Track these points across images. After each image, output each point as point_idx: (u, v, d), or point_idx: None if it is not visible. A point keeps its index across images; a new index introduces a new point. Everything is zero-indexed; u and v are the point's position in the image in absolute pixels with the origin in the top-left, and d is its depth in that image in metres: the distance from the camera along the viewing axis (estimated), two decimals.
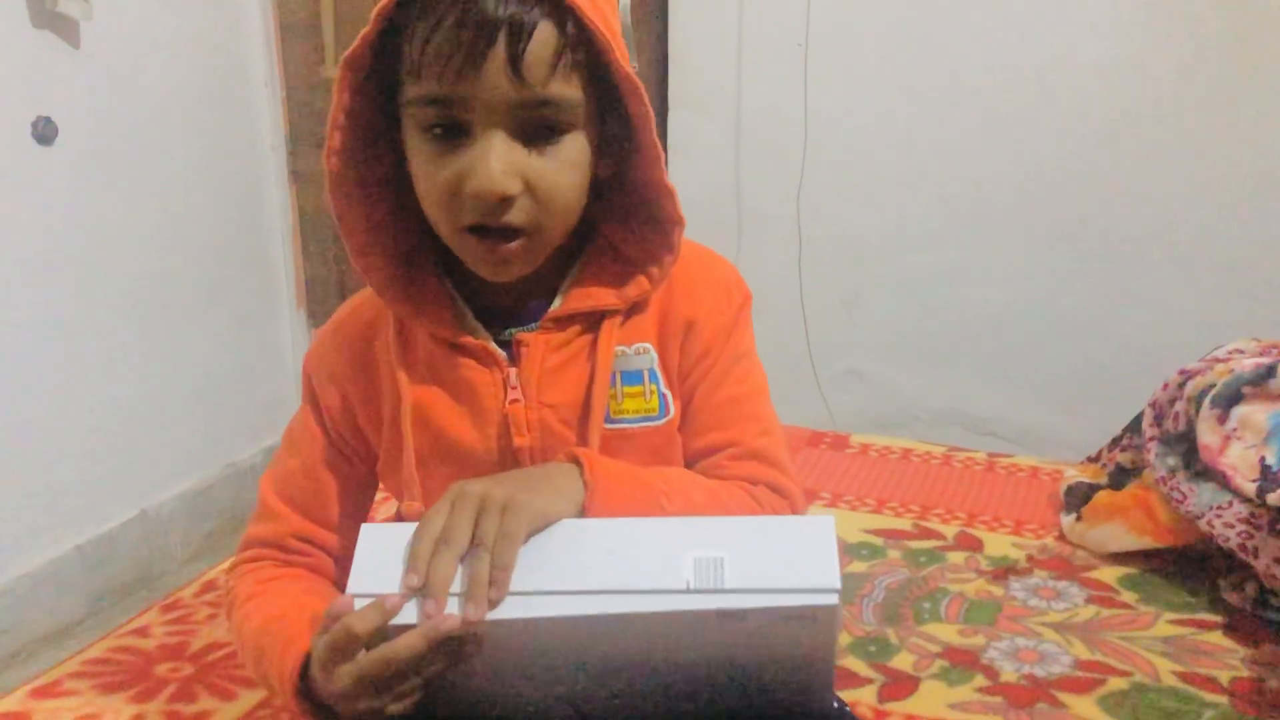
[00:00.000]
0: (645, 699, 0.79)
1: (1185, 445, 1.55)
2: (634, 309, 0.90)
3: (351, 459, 0.96)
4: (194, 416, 2.29)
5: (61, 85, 1.92)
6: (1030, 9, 2.12)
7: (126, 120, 2.07)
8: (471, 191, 0.78)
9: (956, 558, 1.60)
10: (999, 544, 1.64)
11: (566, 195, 0.82)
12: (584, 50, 0.79)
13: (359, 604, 0.72)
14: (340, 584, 0.97)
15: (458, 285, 0.91)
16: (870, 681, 1.28)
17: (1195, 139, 2.06)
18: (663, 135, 1.94)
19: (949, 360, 2.34)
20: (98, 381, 2.06)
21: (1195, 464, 1.51)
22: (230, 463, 2.38)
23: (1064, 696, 1.25)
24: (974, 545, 1.64)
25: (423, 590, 0.71)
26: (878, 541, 1.65)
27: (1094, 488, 1.67)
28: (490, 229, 0.80)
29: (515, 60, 0.76)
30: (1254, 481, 1.40)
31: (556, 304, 0.90)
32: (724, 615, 0.70)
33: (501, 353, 0.89)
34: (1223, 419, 1.50)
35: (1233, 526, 1.41)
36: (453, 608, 0.71)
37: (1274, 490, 1.36)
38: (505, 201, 0.79)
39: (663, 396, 0.90)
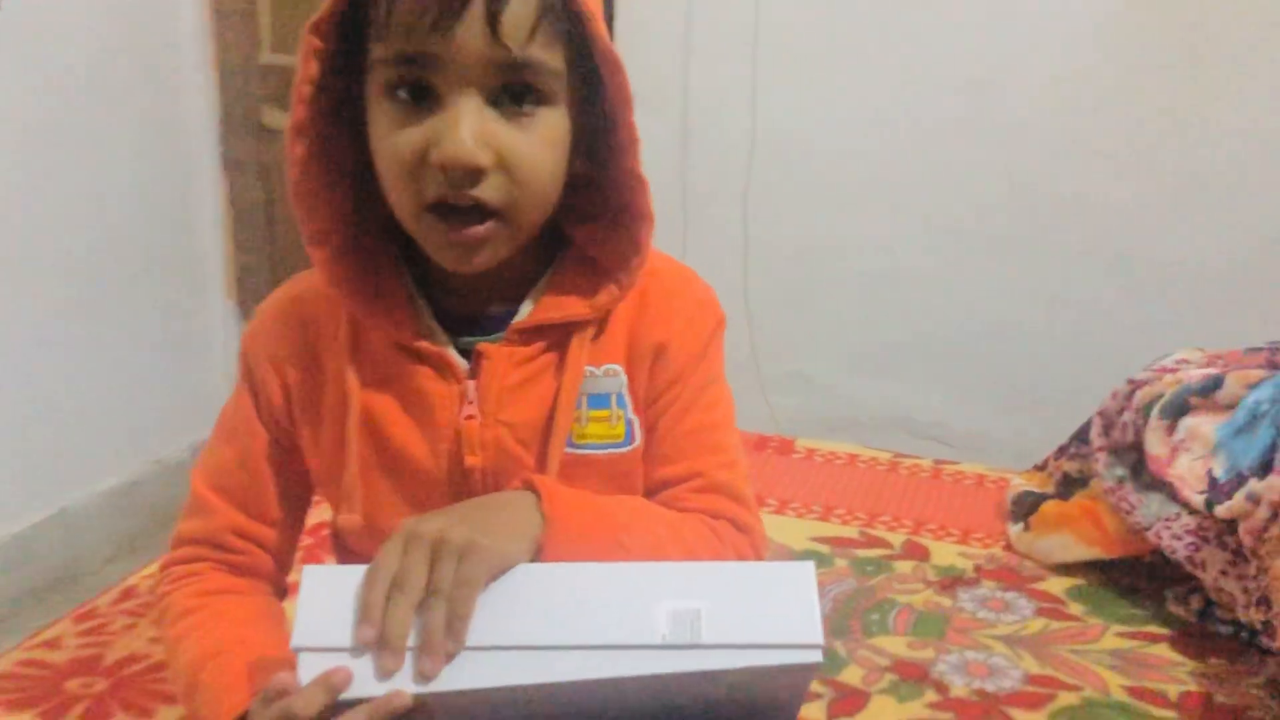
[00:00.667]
0: None
1: (1134, 456, 1.55)
2: (602, 329, 0.84)
3: (291, 450, 0.89)
4: (118, 410, 2.20)
5: None
6: (979, 17, 2.12)
7: (47, 104, 1.97)
8: (438, 160, 0.71)
9: (904, 567, 1.58)
10: (946, 553, 1.62)
11: (542, 176, 0.75)
12: (566, 21, 0.73)
13: (304, 659, 0.66)
14: (279, 586, 0.92)
15: (417, 283, 0.84)
16: (820, 696, 1.25)
17: (1140, 149, 2.08)
18: None
19: (895, 364, 2.34)
20: (15, 373, 1.96)
21: (1144, 475, 1.51)
22: (157, 459, 2.29)
23: (1015, 712, 1.23)
24: (921, 554, 1.62)
25: (377, 643, 0.65)
26: (825, 550, 1.62)
27: (1041, 497, 1.66)
28: (457, 207, 0.73)
29: (493, 18, 0.69)
30: (1201, 493, 1.40)
31: (526, 311, 0.83)
32: (704, 675, 0.66)
33: (462, 362, 0.82)
34: (1171, 430, 1.50)
35: (1180, 538, 1.41)
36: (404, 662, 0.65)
37: (1221, 502, 1.36)
38: (476, 174, 0.72)
39: (629, 423, 0.85)
